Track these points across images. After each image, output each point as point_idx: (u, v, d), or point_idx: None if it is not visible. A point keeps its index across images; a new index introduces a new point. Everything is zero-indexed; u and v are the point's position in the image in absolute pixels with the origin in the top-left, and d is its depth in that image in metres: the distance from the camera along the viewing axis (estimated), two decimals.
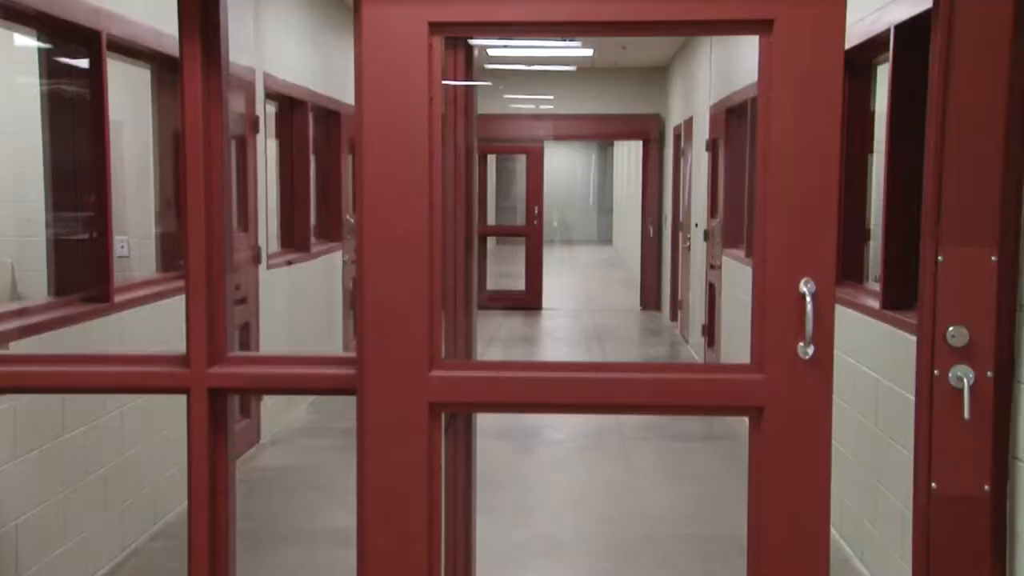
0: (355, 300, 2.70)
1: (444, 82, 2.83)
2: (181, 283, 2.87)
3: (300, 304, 7.60)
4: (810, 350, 2.59)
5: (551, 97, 13.32)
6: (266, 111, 6.86)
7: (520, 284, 13.79)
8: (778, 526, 2.68)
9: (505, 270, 16.20)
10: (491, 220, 15.36)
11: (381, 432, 2.69)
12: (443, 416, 2.77)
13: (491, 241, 15.21)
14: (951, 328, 2.89)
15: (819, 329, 2.59)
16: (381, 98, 2.61)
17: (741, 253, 7.74)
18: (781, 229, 2.61)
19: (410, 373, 2.67)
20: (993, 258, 2.88)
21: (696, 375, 2.74)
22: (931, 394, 2.92)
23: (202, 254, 2.76)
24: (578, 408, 2.84)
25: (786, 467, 2.68)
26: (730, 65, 8.49)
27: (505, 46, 10.06)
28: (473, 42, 3.18)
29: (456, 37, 2.82)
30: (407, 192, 2.63)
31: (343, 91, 8.86)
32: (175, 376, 2.79)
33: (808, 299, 2.57)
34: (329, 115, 8.53)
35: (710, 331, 9.25)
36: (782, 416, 2.66)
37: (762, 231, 2.62)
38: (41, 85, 4.44)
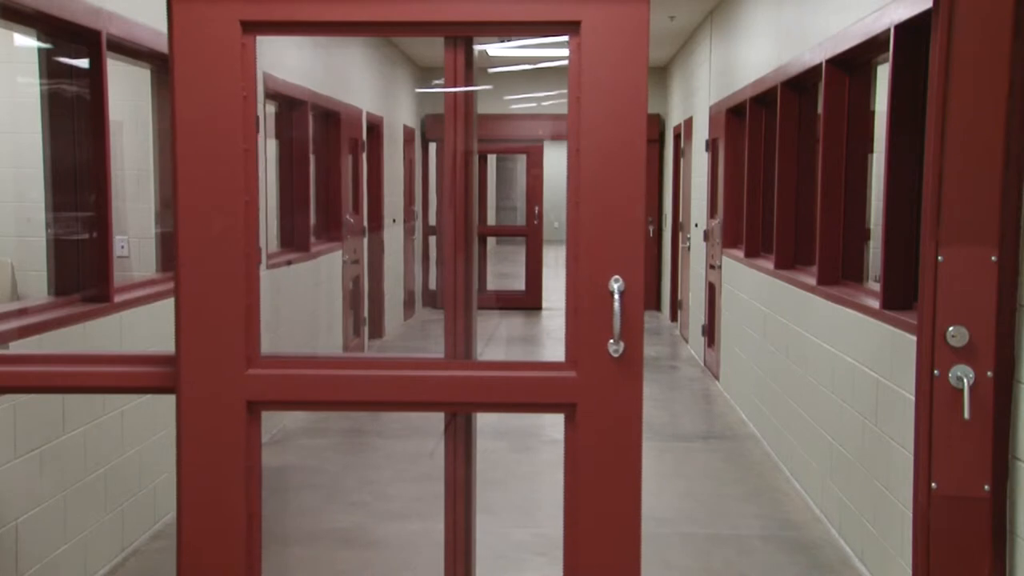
0: (174, 297, 2.71)
1: (445, 89, 2.83)
2: None
3: (300, 304, 7.60)
4: (620, 347, 2.61)
5: (553, 92, 13.30)
6: (266, 111, 6.85)
7: (520, 284, 13.78)
8: (592, 519, 2.70)
9: (505, 270, 16.19)
10: (491, 220, 15.39)
11: (198, 431, 2.71)
12: (262, 414, 2.77)
13: (491, 241, 15.23)
14: (951, 328, 2.89)
15: (628, 327, 2.62)
16: (194, 97, 2.63)
17: (741, 253, 7.74)
18: (592, 228, 2.63)
19: (226, 371, 2.68)
20: (993, 258, 2.88)
21: (511, 373, 2.75)
22: (931, 394, 2.92)
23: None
24: (395, 406, 2.88)
25: (599, 462, 2.70)
26: (730, 65, 8.49)
27: (505, 46, 10.06)
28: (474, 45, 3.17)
29: (455, 38, 2.82)
30: (222, 190, 2.65)
31: (343, 91, 8.86)
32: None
33: (616, 297, 2.59)
34: (329, 115, 8.53)
35: (710, 331, 9.25)
36: (594, 412, 2.68)
37: (574, 230, 2.64)
38: (41, 85, 4.44)
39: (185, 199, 2.65)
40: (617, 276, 2.61)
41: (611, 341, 2.62)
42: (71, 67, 4.45)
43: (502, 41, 9.34)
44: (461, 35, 2.80)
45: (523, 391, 2.74)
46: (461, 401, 2.80)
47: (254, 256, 2.69)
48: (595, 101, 2.61)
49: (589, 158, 2.62)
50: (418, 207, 13.15)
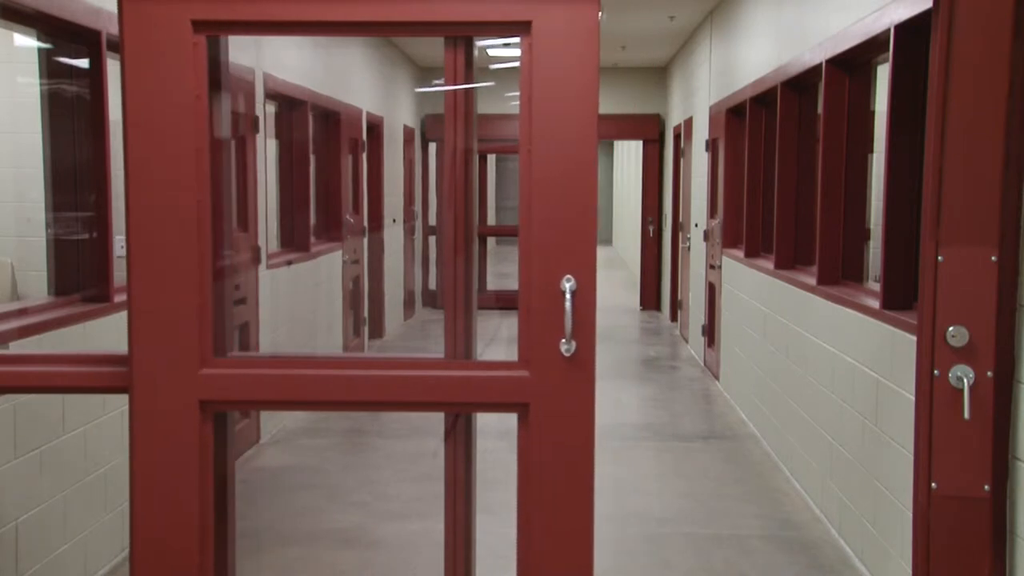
0: (127, 300, 2.70)
1: (445, 87, 2.83)
2: None
3: (300, 304, 7.60)
4: (572, 347, 2.61)
5: None
6: (266, 111, 6.86)
7: None
8: (545, 519, 2.69)
9: (505, 270, 16.19)
10: (491, 220, 15.39)
11: (151, 431, 2.71)
12: (215, 414, 2.75)
13: (491, 241, 15.24)
14: (951, 328, 2.89)
15: (580, 326, 2.62)
16: (146, 97, 2.63)
17: (741, 253, 7.74)
18: (544, 228, 2.63)
19: (179, 371, 2.68)
20: (993, 258, 2.88)
21: (465, 372, 2.74)
22: (931, 394, 2.92)
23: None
24: (345, 405, 2.87)
25: (552, 462, 2.69)
26: (730, 65, 8.49)
27: (505, 45, 10.06)
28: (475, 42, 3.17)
29: (456, 37, 2.82)
30: (174, 190, 2.65)
31: (343, 91, 8.86)
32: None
33: (567, 296, 2.59)
34: (329, 115, 8.53)
35: (710, 331, 9.25)
36: (547, 412, 2.67)
37: (526, 230, 2.64)
38: (41, 85, 4.44)
39: (137, 198, 2.65)
40: (569, 276, 2.61)
41: (563, 341, 2.62)
42: (71, 67, 4.45)
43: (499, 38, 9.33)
44: (406, 35, 2.80)
45: (475, 391, 2.72)
46: (417, 400, 2.78)
47: (207, 255, 2.68)
48: (547, 101, 2.61)
49: (541, 158, 2.62)
50: (418, 207, 13.15)
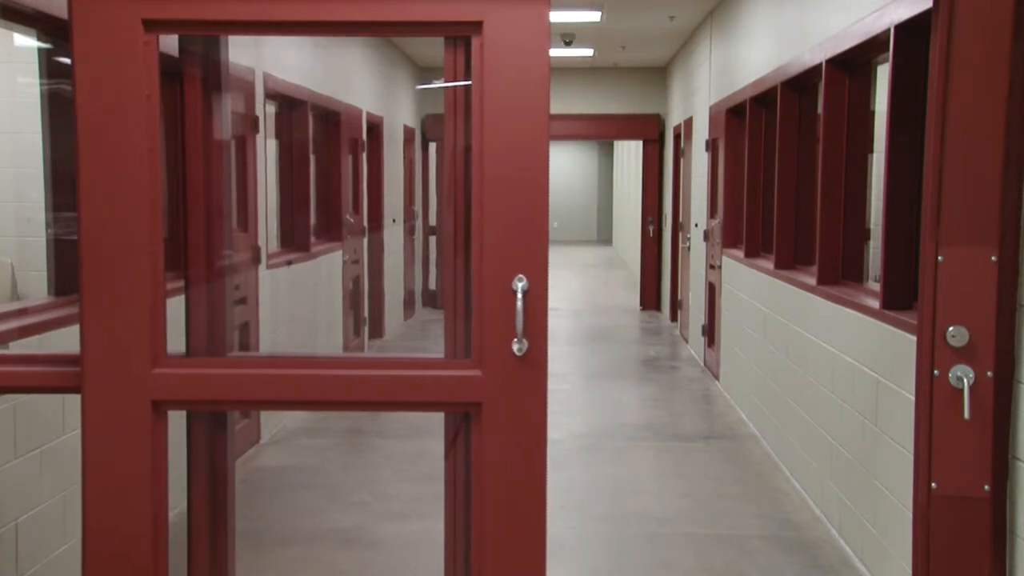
0: (78, 296, 2.70)
1: (444, 84, 2.83)
2: (179, 283, 2.88)
3: (300, 304, 7.60)
4: (523, 346, 2.61)
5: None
6: (266, 111, 6.86)
7: None
8: (498, 518, 2.69)
9: None
10: None
11: (103, 431, 2.71)
12: (168, 413, 2.75)
13: None
14: (951, 328, 2.89)
15: (531, 326, 2.61)
16: (97, 96, 2.63)
17: (741, 253, 7.74)
18: (496, 228, 2.63)
19: (131, 370, 2.68)
20: (993, 258, 2.88)
21: (418, 372, 2.73)
22: (931, 394, 2.92)
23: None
24: (296, 405, 2.86)
25: (504, 462, 2.68)
26: (730, 65, 8.49)
27: None
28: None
29: (456, 38, 2.82)
30: (125, 188, 2.65)
31: (343, 91, 8.86)
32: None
33: (519, 296, 2.59)
34: (329, 115, 8.53)
35: (710, 331, 9.25)
36: (499, 412, 2.66)
37: (479, 230, 2.64)
38: (41, 85, 4.44)
39: (88, 198, 2.65)
40: (521, 276, 2.61)
41: (515, 340, 2.61)
42: (71, 67, 4.45)
43: None
44: (353, 35, 2.79)
45: (431, 390, 2.71)
46: (370, 400, 2.78)
47: (159, 255, 2.67)
48: (498, 100, 2.60)
49: (493, 158, 2.61)
50: (418, 207, 13.15)
